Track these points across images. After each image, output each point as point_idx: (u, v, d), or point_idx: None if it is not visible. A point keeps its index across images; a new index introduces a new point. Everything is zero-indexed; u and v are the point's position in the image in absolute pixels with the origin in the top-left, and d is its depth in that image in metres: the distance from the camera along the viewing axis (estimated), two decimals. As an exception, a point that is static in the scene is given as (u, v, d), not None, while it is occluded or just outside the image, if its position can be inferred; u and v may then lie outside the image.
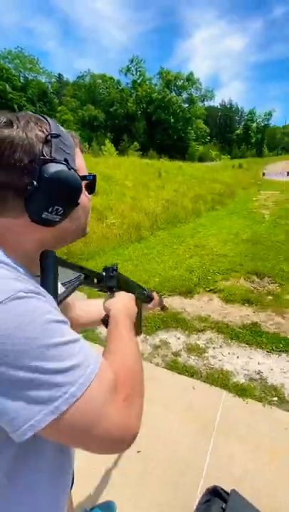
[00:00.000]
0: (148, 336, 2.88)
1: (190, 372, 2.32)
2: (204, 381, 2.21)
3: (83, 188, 0.56)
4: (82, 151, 0.60)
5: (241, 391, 2.08)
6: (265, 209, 10.46)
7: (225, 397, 2.01)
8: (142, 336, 2.89)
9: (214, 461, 1.57)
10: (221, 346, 2.73)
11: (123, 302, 0.72)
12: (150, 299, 1.14)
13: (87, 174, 0.58)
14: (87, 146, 28.67)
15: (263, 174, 22.79)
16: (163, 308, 1.34)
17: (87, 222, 0.64)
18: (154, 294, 1.17)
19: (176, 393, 2.08)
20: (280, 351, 2.61)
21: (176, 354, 2.60)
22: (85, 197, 0.57)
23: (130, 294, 0.79)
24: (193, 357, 2.56)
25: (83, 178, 0.55)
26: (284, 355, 2.57)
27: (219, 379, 2.23)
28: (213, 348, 2.70)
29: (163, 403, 1.96)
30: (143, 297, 1.08)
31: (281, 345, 2.68)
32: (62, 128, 0.53)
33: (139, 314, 0.92)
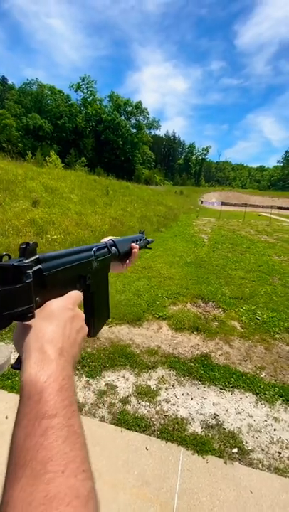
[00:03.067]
0: (91, 380, 2.42)
1: (141, 425, 1.96)
2: (158, 436, 1.88)
3: None
4: None
5: (200, 445, 1.81)
6: (204, 234, 11.26)
7: (183, 458, 1.71)
8: (84, 380, 2.42)
9: None
10: (173, 386, 2.46)
11: (58, 329, 0.34)
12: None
13: None
14: (30, 155, 26.77)
15: (201, 202, 25.07)
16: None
17: None
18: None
19: (127, 460, 1.68)
20: (232, 387, 2.49)
21: (125, 401, 2.21)
22: None
23: (73, 294, 0.41)
24: (144, 403, 2.21)
25: None
26: (236, 391, 2.45)
27: (175, 431, 1.93)
28: (166, 388, 2.41)
29: (111, 479, 1.54)
30: (144, 244, 0.86)
31: (233, 380, 2.58)
32: None
33: (104, 295, 0.59)
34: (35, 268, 0.34)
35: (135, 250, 0.74)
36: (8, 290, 0.30)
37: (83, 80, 56.29)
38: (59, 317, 0.35)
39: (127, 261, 0.73)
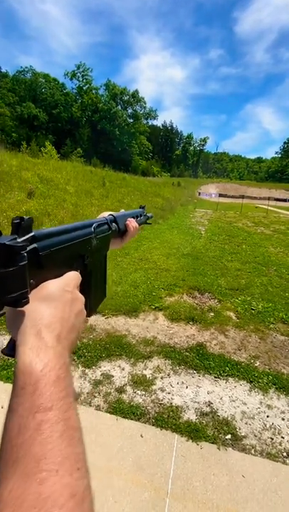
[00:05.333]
0: (87, 370, 2.43)
1: (137, 413, 1.98)
2: (153, 424, 1.90)
3: None
4: None
5: (194, 432, 1.84)
6: (201, 225, 11.23)
7: (177, 444, 1.74)
8: (80, 370, 2.43)
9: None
10: (169, 375, 2.49)
11: (56, 312, 0.31)
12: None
13: None
14: (25, 145, 26.21)
15: (199, 194, 24.89)
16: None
17: None
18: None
19: (122, 446, 1.70)
20: (227, 376, 2.52)
21: (121, 390, 2.23)
22: None
23: (72, 275, 0.38)
24: (139, 392, 2.23)
25: None
26: (231, 379, 2.48)
27: (170, 419, 1.96)
28: (161, 378, 2.43)
29: (106, 465, 1.56)
30: (144, 219, 0.83)
31: (227, 369, 2.61)
32: None
33: (103, 273, 0.56)
34: (30, 247, 0.31)
35: (131, 226, 0.69)
36: None
37: (78, 68, 54.76)
38: (58, 299, 0.33)
39: (125, 237, 0.69)
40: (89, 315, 0.52)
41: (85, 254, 0.45)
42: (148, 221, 0.89)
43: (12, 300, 0.28)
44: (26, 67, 52.95)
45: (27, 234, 0.31)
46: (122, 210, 0.74)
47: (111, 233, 0.56)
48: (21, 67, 54.73)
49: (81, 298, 0.38)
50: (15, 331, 0.30)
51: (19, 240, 0.29)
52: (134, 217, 0.74)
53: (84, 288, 0.49)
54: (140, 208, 0.87)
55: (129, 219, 0.70)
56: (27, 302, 0.30)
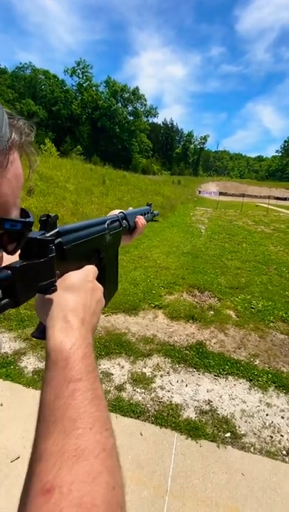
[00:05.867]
0: (87, 368, 2.43)
1: (136, 411, 1.98)
2: (153, 422, 1.90)
3: None
4: (30, 160, 0.36)
5: (193, 430, 1.84)
6: (202, 224, 11.22)
7: (177, 442, 1.74)
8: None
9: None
10: (168, 373, 2.48)
11: (80, 299, 0.36)
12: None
13: (11, 218, 0.30)
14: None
15: (199, 192, 24.84)
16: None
17: None
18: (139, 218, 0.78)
19: (121, 444, 1.70)
20: (226, 374, 2.52)
21: (120, 388, 2.23)
22: None
23: (90, 268, 0.42)
24: (139, 390, 2.23)
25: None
26: (231, 378, 2.48)
27: (169, 417, 1.96)
28: (161, 376, 2.43)
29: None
30: (151, 217, 0.85)
31: (227, 367, 2.61)
32: None
33: (115, 267, 0.59)
34: (56, 241, 0.35)
35: (140, 224, 0.73)
36: (33, 264, 0.31)
37: (78, 65, 54.40)
38: (80, 288, 0.37)
39: (134, 234, 0.73)
40: (105, 306, 0.55)
41: (101, 249, 0.49)
42: (154, 218, 0.93)
43: (43, 287, 0.32)
44: (26, 64, 52.66)
45: (53, 229, 0.35)
46: (130, 208, 0.77)
47: (122, 229, 0.60)
48: (20, 63, 54.30)
49: (100, 287, 0.42)
50: (43, 316, 0.35)
51: (47, 234, 0.34)
52: (142, 215, 0.77)
53: (99, 280, 0.53)
54: (147, 205, 0.90)
55: (138, 216, 0.73)
56: (55, 290, 0.34)
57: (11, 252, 0.31)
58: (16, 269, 0.29)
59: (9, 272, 0.28)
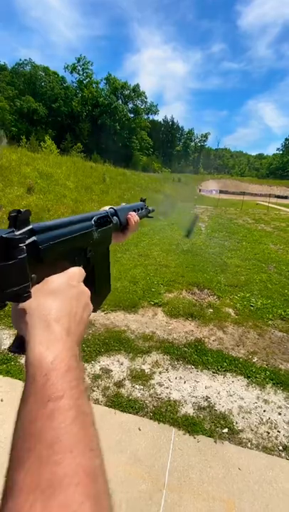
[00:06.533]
0: (86, 364, 2.45)
1: (135, 407, 2.01)
2: (151, 418, 1.93)
3: None
4: None
5: (191, 426, 1.87)
6: (202, 222, 11.21)
7: (175, 437, 1.77)
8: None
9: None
10: (167, 370, 2.51)
11: (64, 306, 0.32)
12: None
13: None
14: (25, 140, 25.98)
15: (199, 190, 24.80)
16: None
17: None
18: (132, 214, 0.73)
19: (120, 439, 1.73)
20: (225, 371, 2.55)
21: (119, 384, 2.26)
22: None
23: (75, 270, 0.38)
24: (138, 386, 2.26)
25: None
26: (229, 375, 2.51)
27: (167, 412, 1.99)
28: (159, 372, 2.46)
29: (105, 457, 1.58)
30: (145, 213, 0.79)
31: (225, 364, 2.63)
32: None
33: (106, 267, 0.55)
34: (29, 241, 0.30)
35: (132, 221, 0.67)
36: None
37: (79, 61, 54.03)
38: (63, 294, 0.33)
39: (127, 231, 0.68)
40: (94, 310, 0.51)
41: (87, 248, 0.45)
42: (149, 215, 0.86)
43: (13, 294, 0.28)
44: (26, 60, 52.26)
45: (25, 227, 0.30)
46: (123, 204, 0.73)
47: (112, 226, 0.55)
48: (20, 59, 53.83)
49: (87, 291, 0.38)
50: (22, 326, 0.30)
51: (17, 232, 0.29)
52: (135, 211, 0.72)
53: (87, 283, 0.49)
54: (141, 200, 0.85)
55: (130, 213, 0.68)
56: (29, 297, 0.29)
57: None
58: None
59: None
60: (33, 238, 0.31)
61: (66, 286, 0.34)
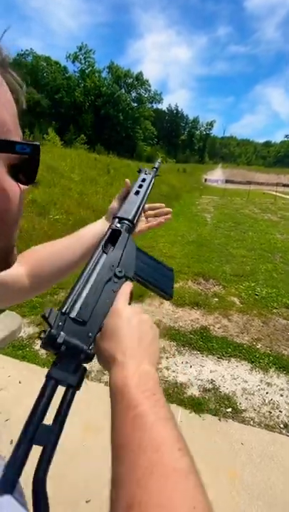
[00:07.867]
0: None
1: (144, 389, 2.14)
2: (159, 398, 2.05)
3: (3, 169, 0.28)
4: (15, 84, 0.31)
5: (197, 406, 1.98)
6: (207, 213, 11.16)
7: (181, 416, 1.88)
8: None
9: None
10: (174, 355, 2.62)
11: (140, 345, 0.38)
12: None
13: (16, 140, 0.29)
14: (28, 133, 25.92)
15: (205, 180, 24.48)
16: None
17: (11, 237, 0.33)
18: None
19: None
20: (229, 356, 2.65)
21: (128, 368, 2.38)
22: (11, 187, 0.30)
23: (127, 289, 0.45)
24: (146, 370, 2.38)
25: (5, 145, 0.27)
26: (233, 360, 2.61)
27: (174, 393, 2.10)
28: (166, 357, 2.57)
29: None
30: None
31: (230, 350, 2.73)
32: None
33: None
34: None
35: (144, 227, 0.70)
36: None
37: (80, 50, 52.91)
38: (138, 332, 0.38)
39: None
40: (171, 297, 0.60)
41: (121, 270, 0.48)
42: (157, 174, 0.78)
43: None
44: (27, 50, 51.45)
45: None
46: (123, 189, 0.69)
47: (128, 236, 0.56)
48: (21, 49, 52.92)
49: (149, 319, 0.42)
50: (106, 355, 0.37)
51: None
52: (142, 203, 0.67)
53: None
54: (138, 172, 0.76)
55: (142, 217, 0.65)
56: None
57: (26, 183, 0.32)
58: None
59: None
60: None
61: (138, 323, 0.39)
